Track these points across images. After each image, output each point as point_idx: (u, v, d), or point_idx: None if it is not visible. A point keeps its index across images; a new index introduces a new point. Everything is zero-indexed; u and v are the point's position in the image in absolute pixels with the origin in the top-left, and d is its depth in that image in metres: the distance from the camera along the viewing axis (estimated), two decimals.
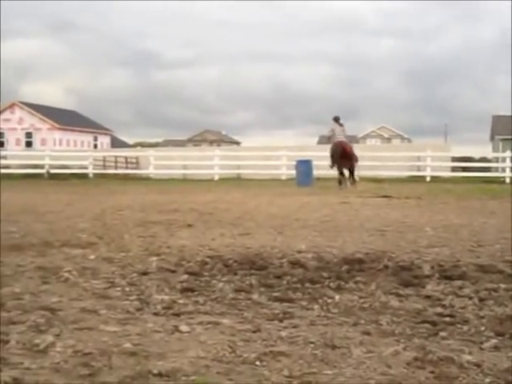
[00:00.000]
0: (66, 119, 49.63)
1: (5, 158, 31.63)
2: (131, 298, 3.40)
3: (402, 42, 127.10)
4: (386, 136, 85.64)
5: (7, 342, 2.52)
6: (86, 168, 27.70)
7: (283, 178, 24.27)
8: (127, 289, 3.62)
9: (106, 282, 3.81)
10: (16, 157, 32.96)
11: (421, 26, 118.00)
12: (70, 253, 4.90)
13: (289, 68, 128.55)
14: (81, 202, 11.01)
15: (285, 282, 3.84)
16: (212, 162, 26.84)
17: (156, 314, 3.04)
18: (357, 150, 19.69)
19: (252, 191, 15.33)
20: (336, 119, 18.95)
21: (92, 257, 4.71)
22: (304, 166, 19.44)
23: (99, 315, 3.00)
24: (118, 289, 3.62)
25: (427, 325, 2.88)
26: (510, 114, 41.51)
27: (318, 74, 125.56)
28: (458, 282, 3.83)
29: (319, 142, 61.29)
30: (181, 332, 2.71)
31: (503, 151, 30.87)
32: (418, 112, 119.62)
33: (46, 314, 2.97)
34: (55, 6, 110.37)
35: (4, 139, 47.57)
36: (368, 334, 2.72)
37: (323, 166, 20.83)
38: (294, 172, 20.43)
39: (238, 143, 75.50)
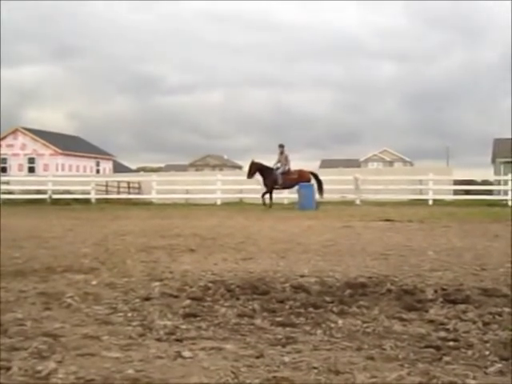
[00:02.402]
0: (68, 145, 49.87)
1: (8, 183, 31.72)
2: (134, 323, 3.38)
3: (403, 66, 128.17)
4: (388, 159, 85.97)
5: (9, 368, 2.51)
6: (88, 193, 27.74)
7: (285, 201, 24.28)
8: (130, 314, 3.61)
9: (108, 307, 3.80)
10: (19, 182, 33.00)
11: (422, 50, 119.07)
12: (72, 278, 4.89)
13: (290, 92, 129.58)
14: (83, 228, 11.02)
15: (287, 307, 3.83)
16: (214, 187, 26.85)
17: (159, 340, 3.03)
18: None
19: (254, 215, 15.33)
20: (283, 146, 20.18)
21: (94, 282, 4.71)
22: (306, 190, 19.47)
23: (101, 341, 2.99)
24: (121, 314, 3.61)
25: (431, 349, 2.86)
26: (511, 137, 41.59)
27: (319, 98, 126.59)
28: (462, 306, 3.82)
29: (321, 166, 61.60)
30: (183, 358, 2.70)
31: (505, 174, 30.85)
32: (420, 135, 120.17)
33: (48, 340, 2.95)
34: (57, 32, 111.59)
35: (7, 165, 47.77)
36: (372, 358, 2.70)
37: (326, 189, 20.92)
38: (296, 196, 20.44)
39: (240, 167, 75.70)
